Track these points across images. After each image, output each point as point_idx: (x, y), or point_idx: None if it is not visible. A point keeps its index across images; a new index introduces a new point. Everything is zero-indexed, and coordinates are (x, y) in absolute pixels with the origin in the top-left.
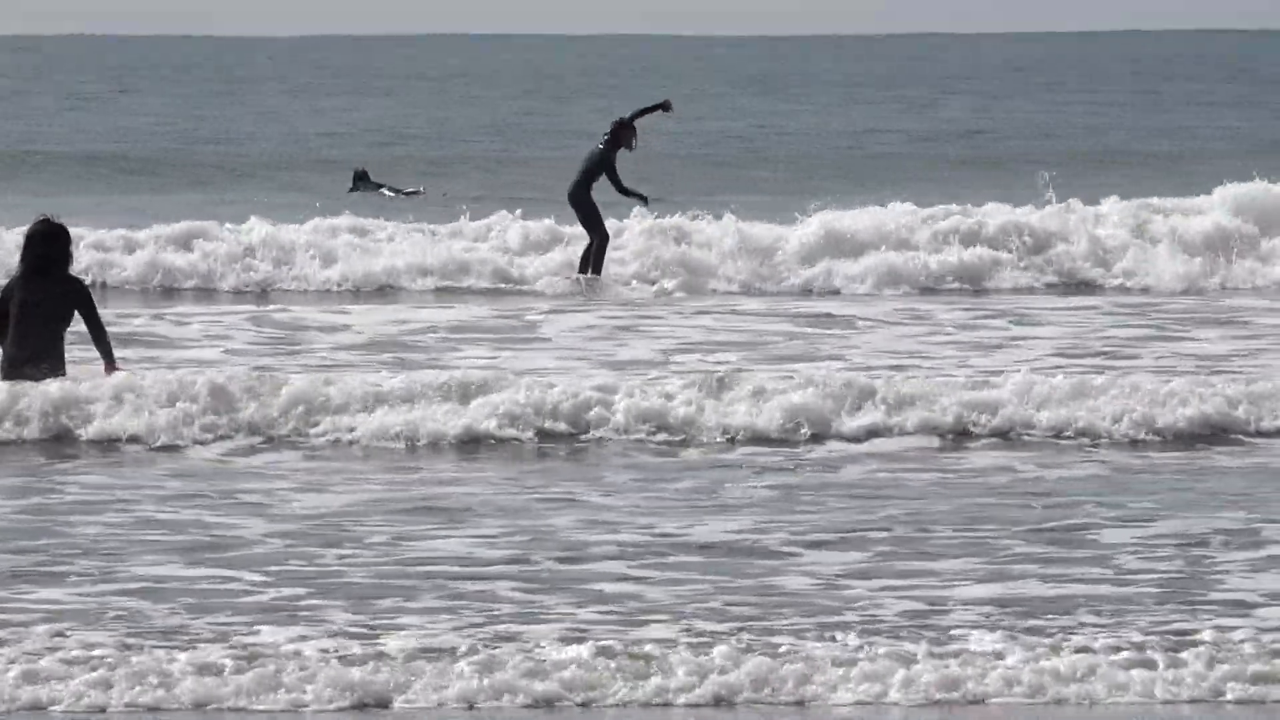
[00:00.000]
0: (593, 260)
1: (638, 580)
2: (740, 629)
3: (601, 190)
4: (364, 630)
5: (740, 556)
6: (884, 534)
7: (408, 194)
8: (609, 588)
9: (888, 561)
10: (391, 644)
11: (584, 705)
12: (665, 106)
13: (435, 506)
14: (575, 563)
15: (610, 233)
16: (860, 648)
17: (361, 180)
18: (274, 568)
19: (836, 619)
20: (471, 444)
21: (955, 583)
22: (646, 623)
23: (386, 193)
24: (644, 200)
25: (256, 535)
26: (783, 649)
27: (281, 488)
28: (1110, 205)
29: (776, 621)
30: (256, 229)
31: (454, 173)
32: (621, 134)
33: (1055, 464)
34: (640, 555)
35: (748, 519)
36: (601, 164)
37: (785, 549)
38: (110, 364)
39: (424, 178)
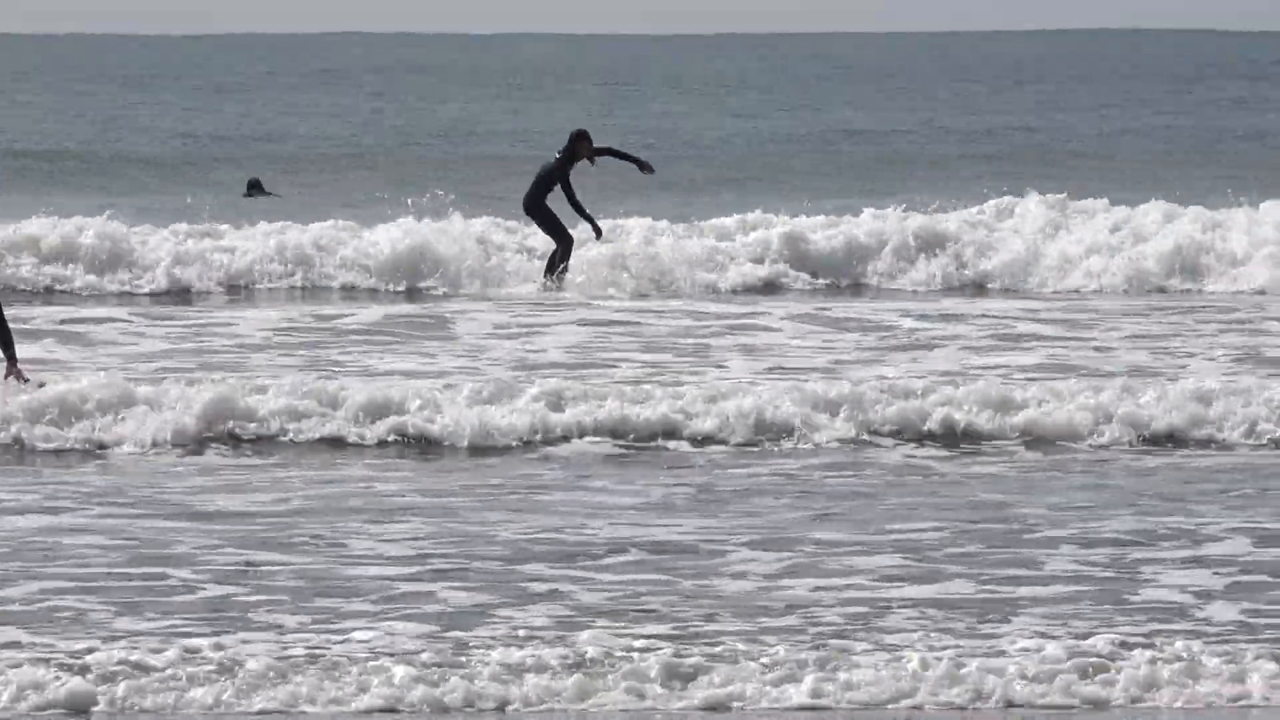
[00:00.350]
0: (559, 264)
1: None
2: (684, 632)
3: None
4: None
5: (676, 556)
6: (820, 534)
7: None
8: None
9: (822, 561)
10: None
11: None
12: (644, 168)
13: (366, 508)
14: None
15: (575, 237)
16: (809, 649)
17: (254, 188)
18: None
19: (781, 622)
20: (393, 444)
21: (888, 584)
22: (587, 625)
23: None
24: (597, 232)
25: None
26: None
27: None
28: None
29: (716, 624)
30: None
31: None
32: (577, 146)
33: (981, 465)
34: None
35: (684, 520)
36: (554, 176)
37: (723, 549)
38: (13, 363)
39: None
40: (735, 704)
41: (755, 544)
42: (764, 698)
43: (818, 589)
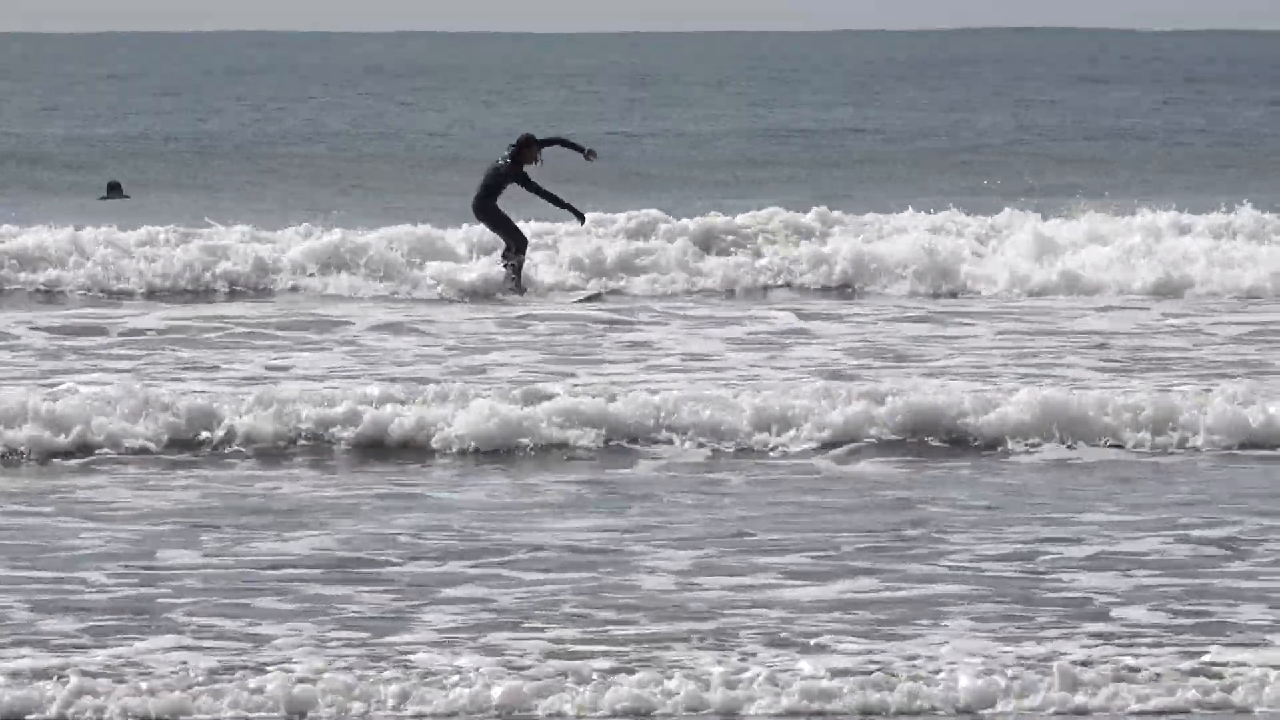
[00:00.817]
0: (513, 266)
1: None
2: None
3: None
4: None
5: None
6: (734, 537)
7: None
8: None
9: (736, 563)
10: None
11: None
12: (589, 155)
13: (268, 509)
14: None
15: (529, 237)
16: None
17: (114, 190)
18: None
19: (696, 626)
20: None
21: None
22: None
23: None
24: (580, 217)
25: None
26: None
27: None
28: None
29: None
30: None
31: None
32: (524, 153)
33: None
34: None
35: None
36: (505, 178)
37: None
38: None
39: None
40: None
41: (667, 545)
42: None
43: (734, 587)
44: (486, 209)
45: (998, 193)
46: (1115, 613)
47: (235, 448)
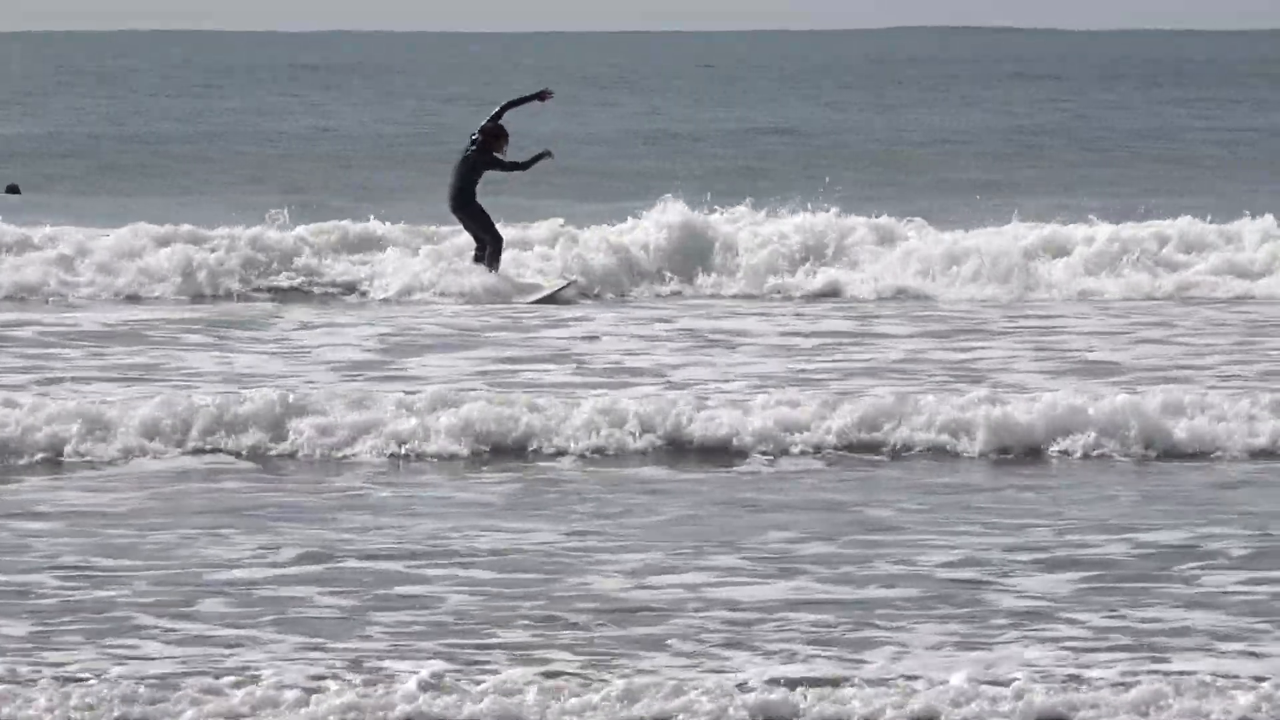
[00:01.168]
0: (490, 263)
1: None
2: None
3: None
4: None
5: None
6: (684, 542)
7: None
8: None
9: (680, 563)
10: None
11: None
12: (542, 95)
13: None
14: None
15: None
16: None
17: (11, 192)
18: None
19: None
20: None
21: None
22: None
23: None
24: (548, 154)
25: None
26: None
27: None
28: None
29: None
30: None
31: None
32: (489, 143)
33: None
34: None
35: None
36: (476, 168)
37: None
38: None
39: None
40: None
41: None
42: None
43: (685, 583)
44: (468, 207)
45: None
46: (1067, 616)
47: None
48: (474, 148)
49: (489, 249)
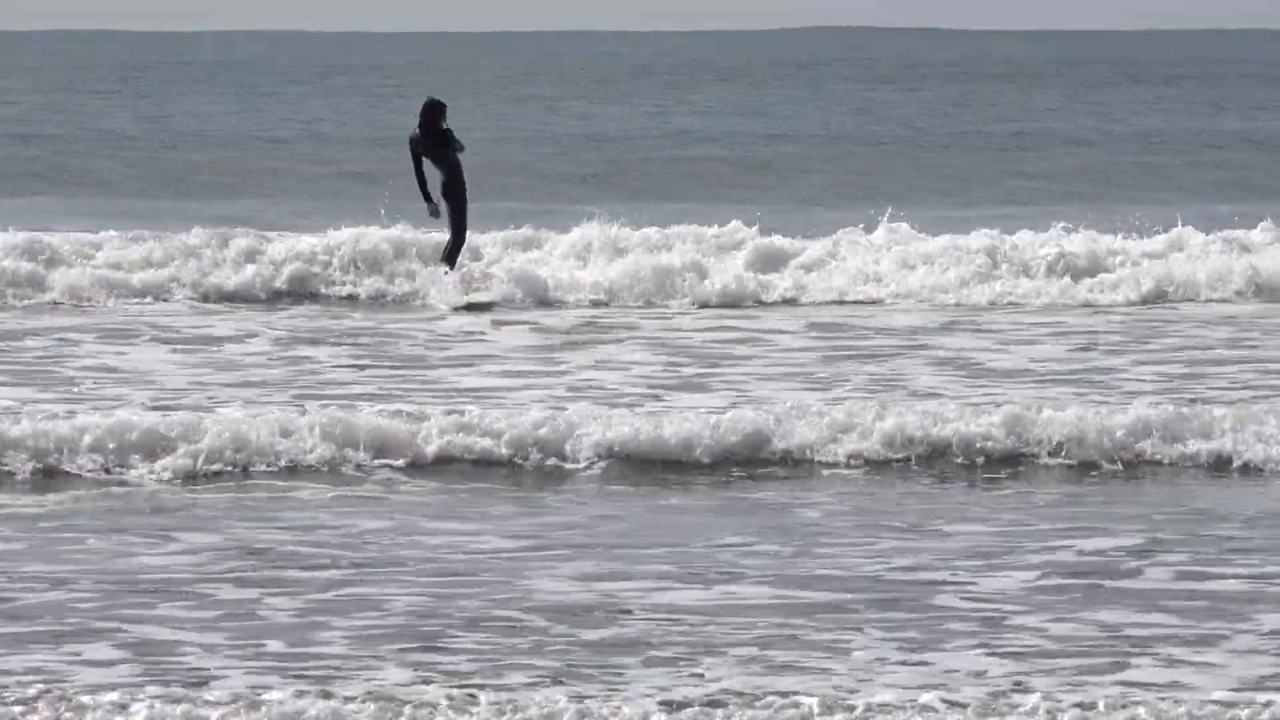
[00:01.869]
0: (453, 258)
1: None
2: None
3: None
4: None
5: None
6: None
7: None
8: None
9: (614, 570)
10: None
11: None
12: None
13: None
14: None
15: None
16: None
17: None
18: None
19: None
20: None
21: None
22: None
23: None
24: (432, 208)
25: None
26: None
27: None
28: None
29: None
30: None
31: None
32: (432, 118)
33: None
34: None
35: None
36: (430, 150)
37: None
38: None
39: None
40: None
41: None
42: None
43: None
44: (454, 193)
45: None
46: (1017, 622)
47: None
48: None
49: (453, 244)
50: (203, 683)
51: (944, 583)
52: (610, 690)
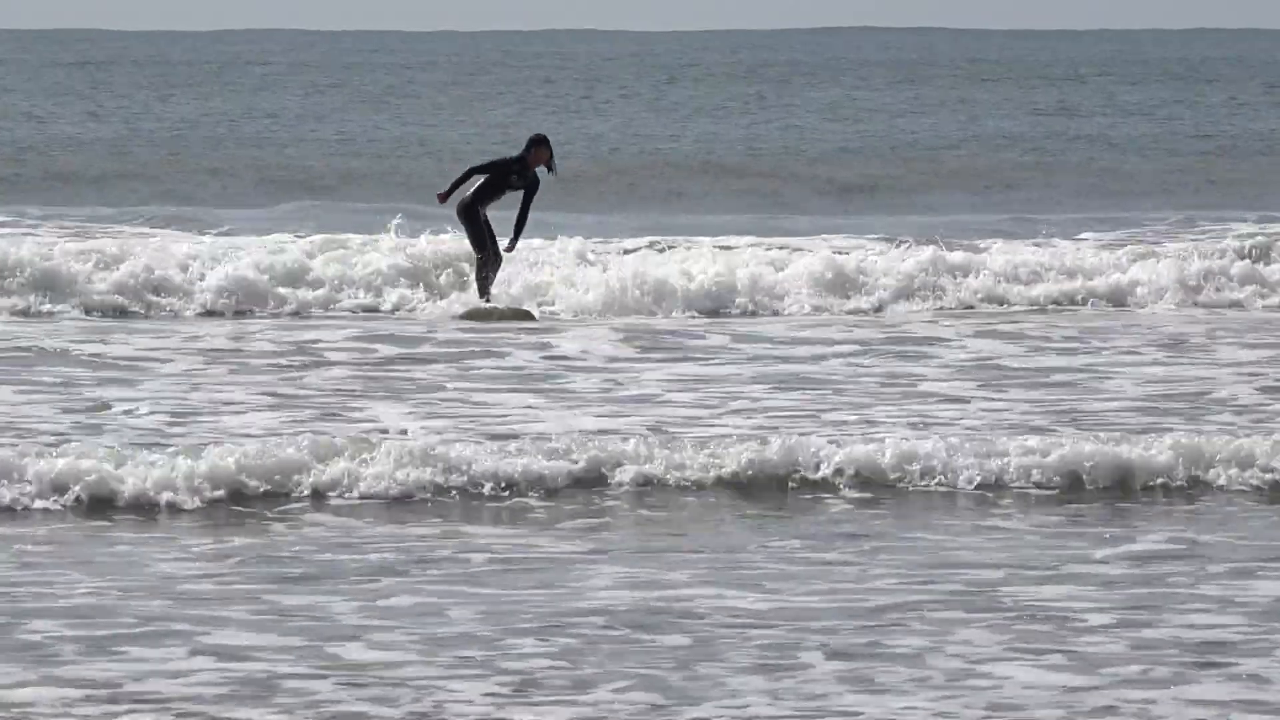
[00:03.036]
0: (483, 279)
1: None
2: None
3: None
4: None
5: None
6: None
7: None
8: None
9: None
10: None
11: None
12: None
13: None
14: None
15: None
16: None
17: None
18: None
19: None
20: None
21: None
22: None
23: None
24: (510, 244)
25: None
26: None
27: None
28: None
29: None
30: None
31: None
32: (536, 155)
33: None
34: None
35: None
36: (509, 182)
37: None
38: None
39: None
40: None
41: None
42: None
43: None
44: (471, 214)
45: None
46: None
47: None
48: (518, 158)
49: (480, 261)
50: None
51: None
52: None
